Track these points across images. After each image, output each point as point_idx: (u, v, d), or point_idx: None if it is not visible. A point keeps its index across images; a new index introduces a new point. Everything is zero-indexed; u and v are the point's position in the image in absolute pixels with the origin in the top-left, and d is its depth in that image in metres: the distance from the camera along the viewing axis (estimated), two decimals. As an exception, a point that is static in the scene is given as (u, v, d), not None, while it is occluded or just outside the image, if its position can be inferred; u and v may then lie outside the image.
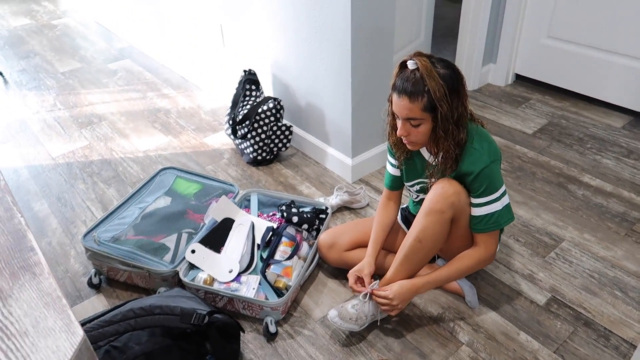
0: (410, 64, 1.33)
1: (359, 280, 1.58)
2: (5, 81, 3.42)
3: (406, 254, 1.51)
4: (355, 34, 1.90)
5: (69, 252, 1.98)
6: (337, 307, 1.55)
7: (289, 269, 1.69)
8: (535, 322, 1.60)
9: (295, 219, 1.81)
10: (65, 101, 3.13)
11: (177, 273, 1.69)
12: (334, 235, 1.75)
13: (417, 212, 1.62)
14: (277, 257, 1.70)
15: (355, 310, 1.54)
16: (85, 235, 1.78)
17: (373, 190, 2.22)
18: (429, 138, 1.41)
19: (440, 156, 1.44)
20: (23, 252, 0.53)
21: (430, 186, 1.49)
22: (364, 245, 1.73)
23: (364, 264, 1.59)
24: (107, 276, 1.82)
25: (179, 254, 1.75)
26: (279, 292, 1.65)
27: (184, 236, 1.83)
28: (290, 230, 1.77)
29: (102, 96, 3.17)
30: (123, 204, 1.95)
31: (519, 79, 3.04)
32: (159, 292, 1.69)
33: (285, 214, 1.83)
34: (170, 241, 1.80)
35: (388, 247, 1.75)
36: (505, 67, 2.94)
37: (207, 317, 1.31)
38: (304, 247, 1.78)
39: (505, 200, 1.45)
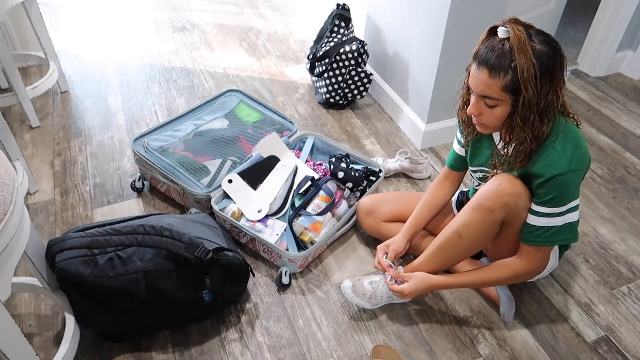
0: (501, 32, 1.10)
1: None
2: (122, -28, 3.50)
3: (441, 245, 1.34)
4: (461, -17, 1.63)
5: (126, 150, 2.03)
6: (354, 278, 1.44)
7: (318, 225, 1.59)
8: (574, 359, 1.38)
9: (340, 174, 1.68)
10: (168, 2, 3.15)
11: (210, 198, 1.66)
12: (376, 202, 1.61)
13: None
14: (309, 209, 1.60)
15: (371, 287, 1.42)
16: (136, 139, 1.80)
17: (440, 163, 2.01)
18: (504, 123, 1.19)
19: (512, 147, 1.21)
20: None
21: (490, 178, 1.28)
22: (405, 220, 1.57)
23: (395, 240, 1.45)
24: (150, 183, 1.84)
25: (217, 180, 1.72)
26: (302, 245, 1.57)
27: (228, 163, 1.78)
28: (331, 185, 1.65)
29: (202, 4, 3.15)
30: (181, 116, 1.94)
31: (659, 75, 2.54)
32: (189, 212, 1.69)
33: (332, 167, 1.71)
34: (213, 165, 1.76)
35: (431, 229, 1.58)
36: (646, 57, 2.46)
37: (210, 253, 1.27)
38: (342, 205, 1.67)
39: (571, 217, 1.21)
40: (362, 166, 1.79)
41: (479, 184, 1.42)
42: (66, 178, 1.89)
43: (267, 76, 2.51)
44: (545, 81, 1.09)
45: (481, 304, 1.52)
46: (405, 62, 2.04)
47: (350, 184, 1.69)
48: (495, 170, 1.28)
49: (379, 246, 1.48)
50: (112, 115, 2.20)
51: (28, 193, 1.80)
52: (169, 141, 1.82)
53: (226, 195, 1.68)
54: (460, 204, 1.59)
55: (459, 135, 1.44)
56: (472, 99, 1.19)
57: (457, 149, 1.46)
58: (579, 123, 1.23)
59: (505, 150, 1.24)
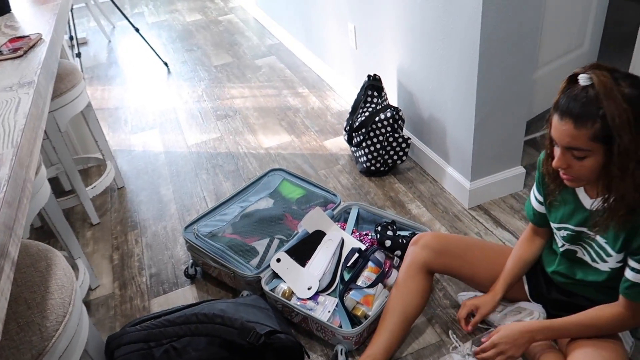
0: (583, 79, 1.04)
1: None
2: (169, 71, 3.80)
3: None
4: (486, 41, 1.66)
5: (178, 239, 2.10)
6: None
7: (370, 298, 1.55)
8: None
9: (387, 242, 1.66)
10: (211, 93, 3.36)
11: (260, 279, 1.67)
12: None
13: (552, 271, 1.35)
14: (359, 282, 1.57)
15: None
16: (187, 227, 1.86)
17: (491, 221, 1.95)
18: (600, 175, 1.10)
19: (612, 200, 1.11)
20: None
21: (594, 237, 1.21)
22: (458, 276, 1.52)
23: (486, 302, 1.41)
24: (203, 269, 1.88)
25: (266, 260, 1.73)
26: (356, 320, 1.53)
27: (275, 242, 1.80)
28: (379, 255, 1.63)
29: (243, 91, 3.34)
30: (228, 200, 2.00)
31: None
32: (241, 295, 1.70)
33: (379, 236, 1.69)
34: (261, 245, 1.79)
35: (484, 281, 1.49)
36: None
37: (263, 337, 1.25)
38: (393, 275, 1.63)
39: None
40: (410, 232, 1.76)
41: (563, 245, 1.31)
42: (124, 271, 1.96)
43: (307, 151, 2.58)
44: None
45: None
46: (442, 122, 2.05)
47: (399, 252, 1.66)
48: (595, 231, 1.19)
49: (466, 302, 1.43)
50: (165, 206, 2.31)
51: (90, 289, 1.88)
52: (217, 226, 1.87)
53: (276, 275, 1.69)
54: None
55: (536, 192, 1.36)
56: (557, 151, 1.13)
57: (536, 206, 1.37)
58: None
59: (604, 205, 1.13)
